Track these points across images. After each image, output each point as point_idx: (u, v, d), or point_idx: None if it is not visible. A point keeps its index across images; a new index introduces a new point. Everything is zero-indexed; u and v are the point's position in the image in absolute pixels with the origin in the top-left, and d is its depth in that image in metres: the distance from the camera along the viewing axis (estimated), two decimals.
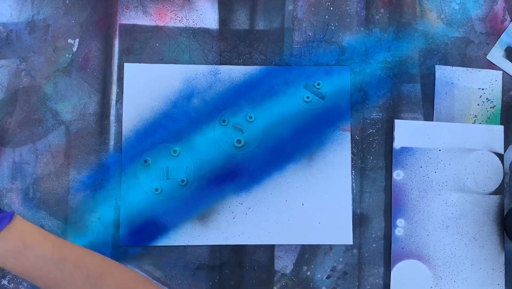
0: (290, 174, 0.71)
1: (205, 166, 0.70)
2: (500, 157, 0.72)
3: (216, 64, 0.71)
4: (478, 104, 0.72)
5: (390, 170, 0.71)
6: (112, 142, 0.70)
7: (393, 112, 0.72)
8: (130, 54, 0.71)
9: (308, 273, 0.70)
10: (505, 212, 0.71)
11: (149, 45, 0.71)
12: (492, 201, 0.71)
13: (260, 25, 0.72)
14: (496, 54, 0.73)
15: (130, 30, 0.71)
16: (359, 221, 0.70)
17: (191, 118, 0.70)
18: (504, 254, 0.71)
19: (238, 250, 0.70)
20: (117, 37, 0.71)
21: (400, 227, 0.71)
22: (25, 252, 0.52)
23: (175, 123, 0.70)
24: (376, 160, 0.71)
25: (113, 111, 0.70)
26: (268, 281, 0.70)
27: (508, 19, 0.73)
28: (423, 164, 0.71)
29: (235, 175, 0.70)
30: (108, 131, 0.70)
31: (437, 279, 0.70)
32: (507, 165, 0.72)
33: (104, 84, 0.70)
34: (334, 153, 0.71)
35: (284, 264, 0.70)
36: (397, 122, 0.71)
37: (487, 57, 0.73)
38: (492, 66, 0.73)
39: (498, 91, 0.73)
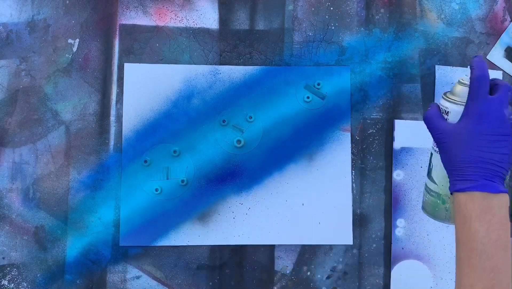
0: (290, 174, 0.70)
1: (205, 166, 0.70)
2: None
3: (216, 64, 0.71)
4: None
5: (390, 170, 0.71)
6: (112, 142, 0.70)
7: (393, 112, 0.72)
8: (130, 54, 0.71)
9: (308, 273, 0.70)
10: None
11: (149, 45, 0.71)
12: None
13: (260, 25, 0.72)
14: (496, 54, 0.73)
15: (130, 30, 0.71)
16: (359, 221, 0.70)
17: (191, 118, 0.70)
18: None
19: (238, 250, 0.70)
20: (117, 37, 0.71)
21: (400, 227, 0.71)
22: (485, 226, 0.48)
23: (175, 123, 0.70)
24: (376, 160, 0.71)
25: (113, 111, 0.70)
26: (268, 281, 0.70)
27: (508, 19, 0.73)
28: (423, 164, 0.71)
29: (235, 175, 0.70)
30: (108, 131, 0.70)
31: (437, 279, 0.70)
32: None
33: (104, 84, 0.70)
34: (334, 153, 0.71)
35: (284, 264, 0.70)
36: (397, 122, 0.71)
37: (487, 57, 0.73)
38: (492, 66, 0.73)
39: None
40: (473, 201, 0.49)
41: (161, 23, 0.71)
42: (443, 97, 0.54)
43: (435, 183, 0.55)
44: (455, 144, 0.51)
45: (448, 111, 0.52)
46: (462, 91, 0.52)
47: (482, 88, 0.50)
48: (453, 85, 0.54)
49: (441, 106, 0.53)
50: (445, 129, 0.52)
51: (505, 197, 0.50)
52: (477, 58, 0.52)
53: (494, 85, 0.52)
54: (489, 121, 0.50)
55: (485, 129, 0.50)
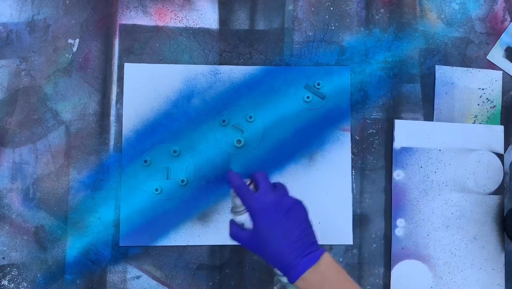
0: (290, 174, 0.70)
1: (205, 166, 0.70)
2: (500, 157, 0.72)
3: (216, 64, 0.71)
4: (478, 104, 0.72)
5: (390, 170, 0.71)
6: (112, 142, 0.70)
7: (393, 112, 0.72)
8: (130, 54, 0.71)
9: None
10: (505, 212, 0.71)
11: (149, 45, 0.71)
12: (492, 201, 0.71)
13: (260, 25, 0.72)
14: (496, 54, 0.73)
15: (130, 30, 0.71)
16: (359, 221, 0.70)
17: (191, 118, 0.70)
18: (504, 254, 0.71)
19: (238, 250, 0.70)
20: (117, 37, 0.71)
21: (400, 227, 0.71)
22: None
23: (175, 123, 0.70)
24: (376, 160, 0.71)
25: (113, 111, 0.70)
26: (268, 281, 0.70)
27: (508, 19, 0.73)
28: (423, 164, 0.71)
29: None
30: (108, 131, 0.70)
31: (437, 279, 0.70)
32: (507, 165, 0.72)
33: (104, 84, 0.70)
34: (334, 153, 0.71)
35: None
36: (397, 122, 0.71)
37: (487, 57, 0.73)
38: (492, 66, 0.73)
39: (498, 91, 0.73)
40: (309, 281, 0.53)
41: (161, 23, 0.71)
42: (232, 212, 0.60)
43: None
44: (263, 246, 0.55)
45: (242, 223, 0.58)
46: (239, 201, 0.58)
47: (246, 192, 0.57)
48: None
49: (236, 221, 0.59)
50: (248, 239, 0.57)
51: (325, 255, 0.54)
52: (229, 173, 0.59)
53: (255, 180, 0.58)
54: (269, 212, 0.55)
55: (272, 220, 0.55)
